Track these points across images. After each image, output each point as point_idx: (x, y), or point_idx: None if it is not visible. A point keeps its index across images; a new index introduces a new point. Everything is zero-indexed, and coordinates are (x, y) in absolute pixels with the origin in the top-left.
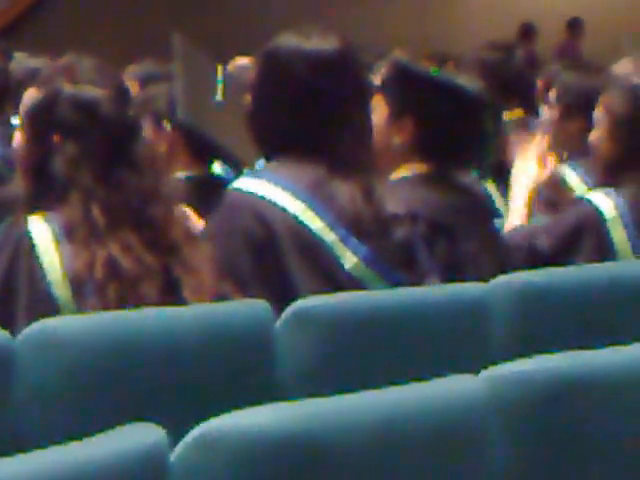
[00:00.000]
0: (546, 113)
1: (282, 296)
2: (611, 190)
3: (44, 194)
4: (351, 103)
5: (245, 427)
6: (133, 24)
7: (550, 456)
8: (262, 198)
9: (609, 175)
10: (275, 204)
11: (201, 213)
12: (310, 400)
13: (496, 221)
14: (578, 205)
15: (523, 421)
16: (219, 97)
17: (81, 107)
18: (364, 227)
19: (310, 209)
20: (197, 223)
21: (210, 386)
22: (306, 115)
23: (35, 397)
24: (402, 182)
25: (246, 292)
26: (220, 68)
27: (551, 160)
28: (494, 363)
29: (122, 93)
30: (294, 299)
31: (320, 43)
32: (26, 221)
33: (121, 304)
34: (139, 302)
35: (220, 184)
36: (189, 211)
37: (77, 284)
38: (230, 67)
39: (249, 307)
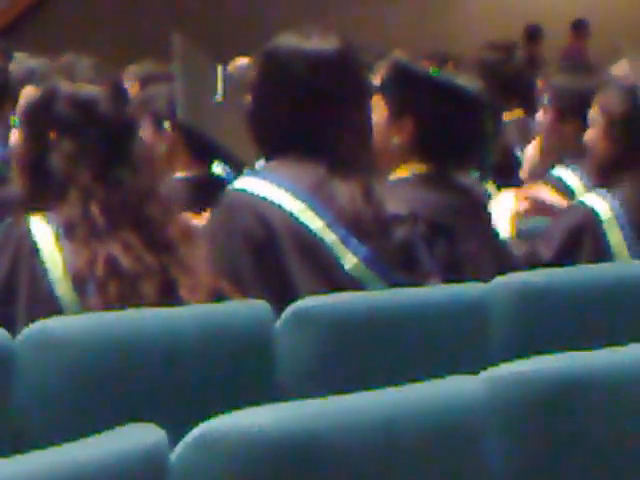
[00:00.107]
0: (541, 116)
1: (282, 296)
2: (604, 191)
3: (42, 192)
4: (351, 103)
5: (245, 427)
6: (133, 24)
7: (549, 456)
8: (262, 198)
9: (604, 175)
10: (275, 204)
11: (201, 213)
12: (310, 400)
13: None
14: (573, 209)
15: (522, 422)
16: (219, 97)
17: (79, 105)
18: (364, 227)
19: (310, 209)
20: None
21: (210, 386)
22: (306, 115)
23: (35, 397)
24: (401, 182)
25: (246, 292)
26: (220, 68)
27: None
28: (493, 364)
29: (119, 92)
30: (294, 299)
31: (320, 43)
32: (27, 221)
33: (122, 303)
34: (139, 301)
35: (220, 184)
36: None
37: (79, 282)
38: (230, 67)
39: (249, 307)
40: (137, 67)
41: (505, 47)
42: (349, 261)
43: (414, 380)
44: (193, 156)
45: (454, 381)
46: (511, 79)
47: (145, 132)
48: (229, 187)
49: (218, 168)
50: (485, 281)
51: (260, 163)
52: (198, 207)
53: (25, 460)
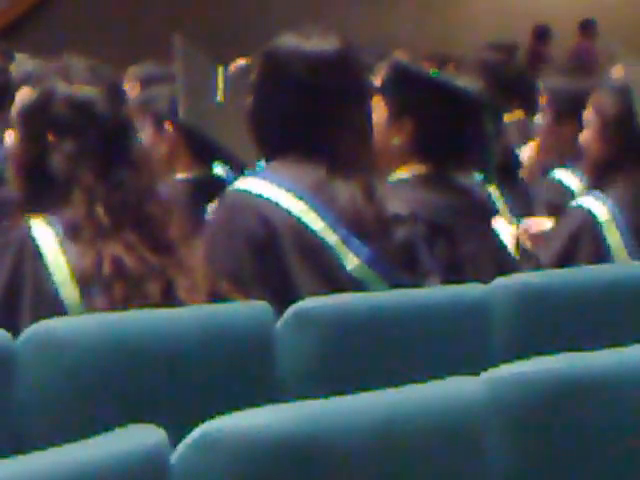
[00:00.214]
0: (539, 118)
1: (283, 297)
2: (599, 193)
3: (40, 194)
4: (351, 103)
5: (246, 428)
6: (134, 25)
7: (550, 457)
8: (263, 199)
9: (599, 176)
10: (276, 205)
11: (202, 214)
12: (310, 401)
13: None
14: (571, 213)
15: (523, 422)
16: (220, 98)
17: (76, 106)
18: (365, 228)
19: (312, 210)
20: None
21: (211, 387)
22: (306, 115)
23: (36, 398)
24: (401, 183)
25: (247, 293)
26: (221, 69)
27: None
28: (494, 364)
29: (116, 92)
30: (295, 300)
31: (320, 43)
32: (28, 224)
33: (127, 303)
34: (143, 302)
35: (221, 185)
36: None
37: (85, 283)
38: (231, 68)
39: (250, 308)
40: (138, 68)
41: (506, 48)
42: (350, 262)
43: (415, 381)
44: (194, 157)
45: (455, 382)
46: (512, 80)
47: (146, 133)
48: (230, 187)
49: (219, 169)
50: (485, 282)
51: (261, 164)
52: (199, 208)
53: (26, 461)
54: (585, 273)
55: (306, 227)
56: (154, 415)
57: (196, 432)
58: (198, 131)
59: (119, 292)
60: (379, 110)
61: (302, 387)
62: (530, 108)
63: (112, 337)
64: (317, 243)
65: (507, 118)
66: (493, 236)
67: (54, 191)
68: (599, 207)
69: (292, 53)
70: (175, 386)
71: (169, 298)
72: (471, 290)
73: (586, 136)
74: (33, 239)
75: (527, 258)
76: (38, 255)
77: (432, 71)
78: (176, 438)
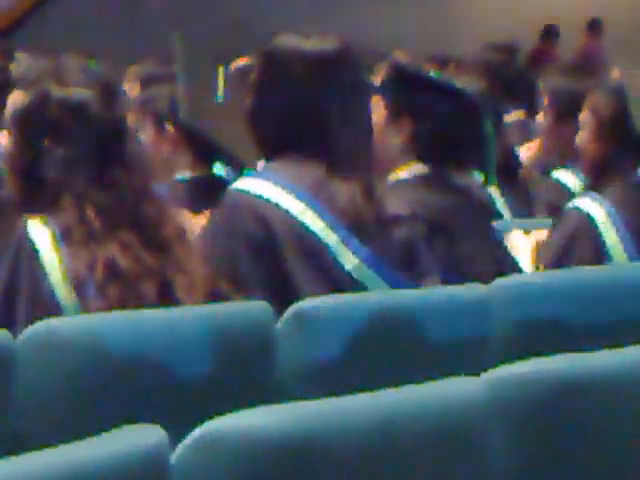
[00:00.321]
0: (540, 119)
1: (282, 297)
2: (596, 194)
3: (34, 197)
4: (350, 103)
5: (246, 428)
6: (134, 25)
7: (550, 458)
8: (263, 199)
9: (596, 176)
10: (276, 205)
11: (202, 213)
12: (310, 401)
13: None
14: (568, 215)
15: (523, 423)
16: (220, 98)
17: (70, 109)
18: (365, 228)
19: (311, 210)
20: (193, 226)
21: (211, 387)
22: (305, 115)
23: (36, 397)
24: (400, 183)
25: (246, 293)
26: (221, 69)
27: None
28: (494, 365)
29: (110, 92)
30: (295, 300)
31: (319, 43)
32: (25, 224)
33: (122, 305)
34: (139, 302)
35: (222, 185)
36: (185, 214)
37: (78, 286)
38: (232, 68)
39: (250, 308)
40: (138, 68)
41: (507, 48)
42: (350, 262)
43: (415, 381)
44: (195, 157)
45: (454, 382)
46: (513, 80)
47: (146, 133)
48: (230, 188)
49: (220, 169)
50: (485, 282)
51: (261, 164)
52: (199, 208)
53: (25, 461)
54: (584, 273)
55: (305, 227)
56: (154, 415)
57: (196, 432)
58: (199, 131)
59: (114, 294)
60: (378, 110)
61: (302, 387)
62: (531, 108)
63: (112, 337)
64: (316, 243)
65: (508, 118)
66: (492, 236)
67: (46, 195)
68: (596, 208)
69: (291, 53)
70: (175, 386)
71: (167, 298)
72: (471, 290)
73: (582, 137)
74: (30, 239)
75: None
76: (35, 255)
77: (432, 72)
78: (176, 438)
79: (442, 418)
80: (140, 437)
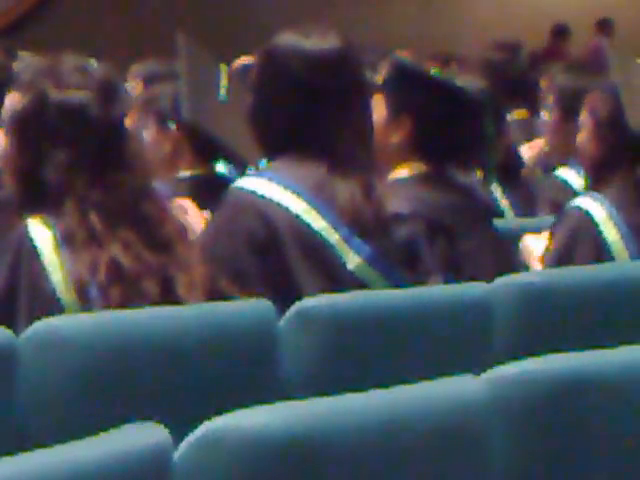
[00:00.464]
0: (546, 116)
1: (285, 296)
2: (596, 194)
3: (33, 200)
4: (351, 102)
5: (248, 427)
6: (136, 23)
7: (552, 457)
8: (265, 198)
9: (596, 176)
10: (278, 204)
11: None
12: (313, 400)
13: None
14: (569, 214)
15: (525, 422)
16: (223, 96)
17: (69, 112)
18: (366, 227)
19: (313, 209)
20: (197, 217)
21: (213, 385)
22: (305, 114)
23: (38, 396)
24: (401, 181)
25: (249, 292)
26: (224, 67)
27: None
28: (496, 364)
29: (108, 92)
30: (297, 299)
31: (319, 42)
32: (26, 225)
33: (125, 304)
34: (141, 301)
35: (224, 183)
36: (189, 204)
37: (81, 288)
38: (234, 66)
39: (252, 306)
40: (141, 66)
41: (510, 47)
42: (352, 261)
43: (417, 380)
44: (197, 155)
45: (456, 381)
46: (516, 79)
47: (149, 131)
48: (232, 187)
49: (222, 167)
50: (487, 281)
51: (263, 162)
52: (202, 206)
53: (28, 459)
54: (586, 272)
55: (307, 226)
56: (157, 413)
57: (199, 430)
58: (201, 129)
59: (116, 294)
60: (379, 108)
61: (304, 386)
62: (533, 107)
63: (114, 335)
64: (318, 242)
65: (511, 117)
66: (493, 235)
67: (47, 199)
68: (596, 207)
69: (291, 52)
70: (177, 384)
71: (169, 296)
72: (473, 289)
73: (581, 137)
74: (31, 239)
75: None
76: (35, 255)
77: (433, 70)
78: (179, 436)
79: (443, 417)
80: (143, 436)
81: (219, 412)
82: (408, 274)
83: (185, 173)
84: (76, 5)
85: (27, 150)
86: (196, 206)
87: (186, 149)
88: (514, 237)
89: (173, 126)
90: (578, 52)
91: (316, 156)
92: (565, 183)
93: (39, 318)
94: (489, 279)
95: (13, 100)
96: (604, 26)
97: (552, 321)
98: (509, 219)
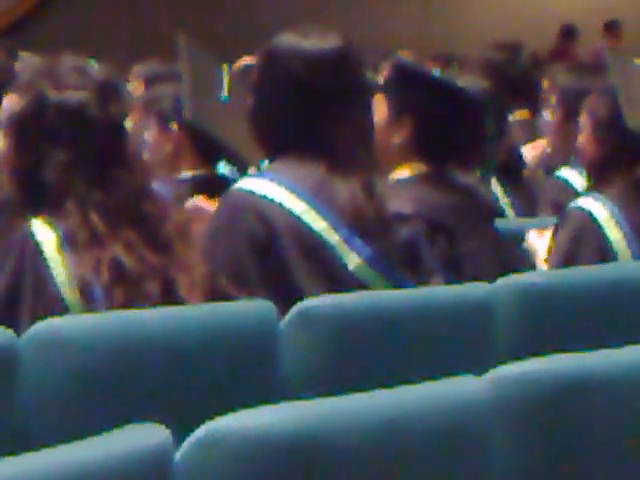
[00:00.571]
0: (548, 116)
1: (285, 296)
2: (598, 194)
3: (34, 202)
4: (351, 102)
5: (249, 427)
6: (137, 23)
7: (554, 457)
8: (265, 198)
9: (597, 177)
10: (278, 204)
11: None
12: (314, 400)
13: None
14: (571, 215)
15: (527, 422)
16: (225, 97)
17: (68, 113)
18: (367, 227)
19: (313, 210)
20: (209, 208)
21: (214, 386)
22: (305, 114)
23: (39, 396)
24: (401, 182)
25: (249, 292)
26: (226, 67)
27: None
28: (498, 364)
29: (107, 92)
30: (298, 300)
31: (319, 42)
32: (29, 225)
33: (128, 304)
34: (144, 301)
35: (226, 184)
36: (203, 202)
37: (85, 290)
38: (236, 67)
39: (253, 307)
40: (142, 67)
41: (511, 47)
42: (352, 261)
43: (418, 380)
44: (199, 156)
45: (458, 381)
46: (517, 79)
47: (151, 132)
48: (232, 187)
49: (224, 168)
50: (488, 281)
51: (265, 163)
52: None
53: (29, 460)
54: (589, 273)
55: (307, 227)
56: (158, 414)
57: (200, 431)
58: (203, 130)
59: (119, 295)
60: (380, 108)
61: (305, 386)
62: (535, 107)
63: (115, 336)
64: (319, 243)
65: (512, 117)
66: (494, 235)
67: (48, 200)
68: (598, 207)
69: (291, 52)
70: (178, 385)
71: (171, 297)
72: (474, 290)
73: (581, 139)
74: (34, 239)
75: None
76: (39, 255)
77: (435, 70)
78: (180, 437)
79: (444, 417)
80: (144, 436)
81: (220, 412)
82: (409, 274)
83: (187, 174)
84: (76, 5)
85: (26, 151)
86: None
87: (188, 150)
88: (515, 237)
89: (175, 127)
90: (585, 53)
91: (317, 156)
92: (566, 183)
93: (43, 318)
94: (490, 279)
95: (11, 102)
96: (612, 27)
97: (554, 321)
98: (510, 219)
